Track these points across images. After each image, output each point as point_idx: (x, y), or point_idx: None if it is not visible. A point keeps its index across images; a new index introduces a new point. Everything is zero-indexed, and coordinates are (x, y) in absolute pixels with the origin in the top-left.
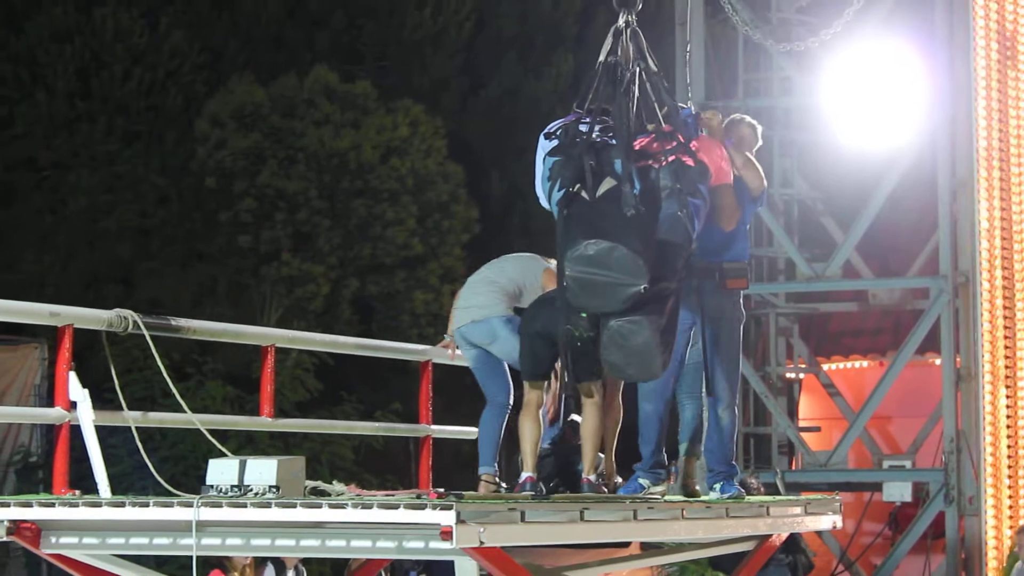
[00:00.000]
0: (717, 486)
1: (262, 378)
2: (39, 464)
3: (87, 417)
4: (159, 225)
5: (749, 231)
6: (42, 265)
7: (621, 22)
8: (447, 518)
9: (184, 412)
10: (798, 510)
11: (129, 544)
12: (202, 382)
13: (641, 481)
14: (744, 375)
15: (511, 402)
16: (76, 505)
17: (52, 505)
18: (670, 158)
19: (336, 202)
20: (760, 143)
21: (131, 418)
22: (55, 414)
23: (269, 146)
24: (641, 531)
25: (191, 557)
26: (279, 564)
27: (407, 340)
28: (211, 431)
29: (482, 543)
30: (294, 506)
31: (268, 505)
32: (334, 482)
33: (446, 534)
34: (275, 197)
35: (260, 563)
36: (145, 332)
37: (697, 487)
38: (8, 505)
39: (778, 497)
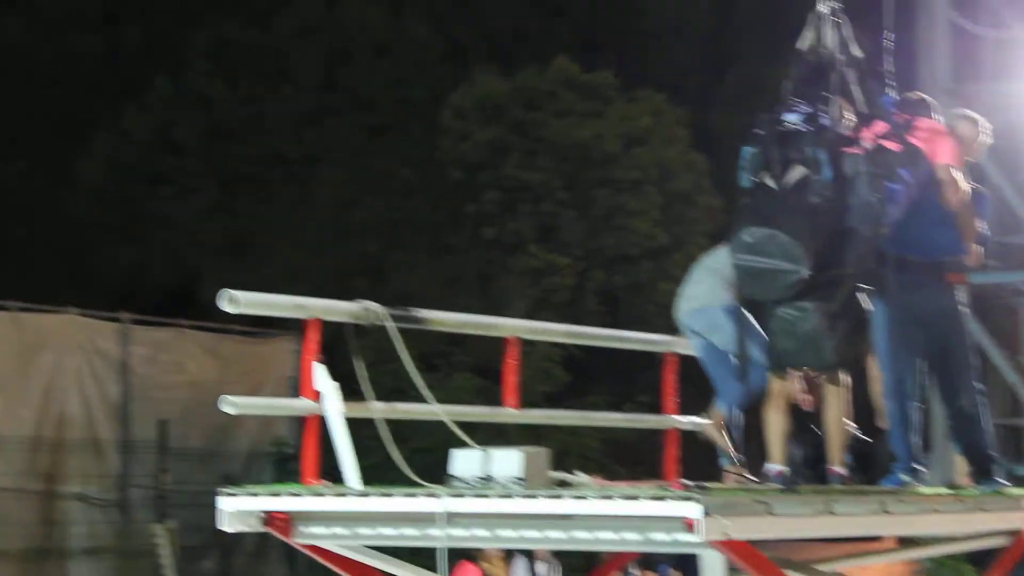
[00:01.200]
0: (978, 479)
1: (505, 369)
2: (295, 455)
3: (334, 408)
4: (406, 217)
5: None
6: (294, 258)
7: (823, 8)
8: (692, 510)
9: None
10: None
11: (378, 535)
12: (450, 374)
13: (901, 476)
14: (995, 365)
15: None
16: (322, 495)
17: (299, 495)
18: (869, 144)
19: (579, 192)
20: (982, 137)
21: (377, 410)
22: (303, 405)
23: (512, 138)
24: (891, 525)
25: (440, 548)
26: (530, 556)
27: (654, 331)
28: (459, 423)
29: (728, 536)
30: (537, 497)
31: (512, 496)
32: (578, 473)
33: (690, 526)
34: (519, 188)
35: (511, 555)
36: (391, 325)
37: (959, 481)
38: (257, 495)
39: None
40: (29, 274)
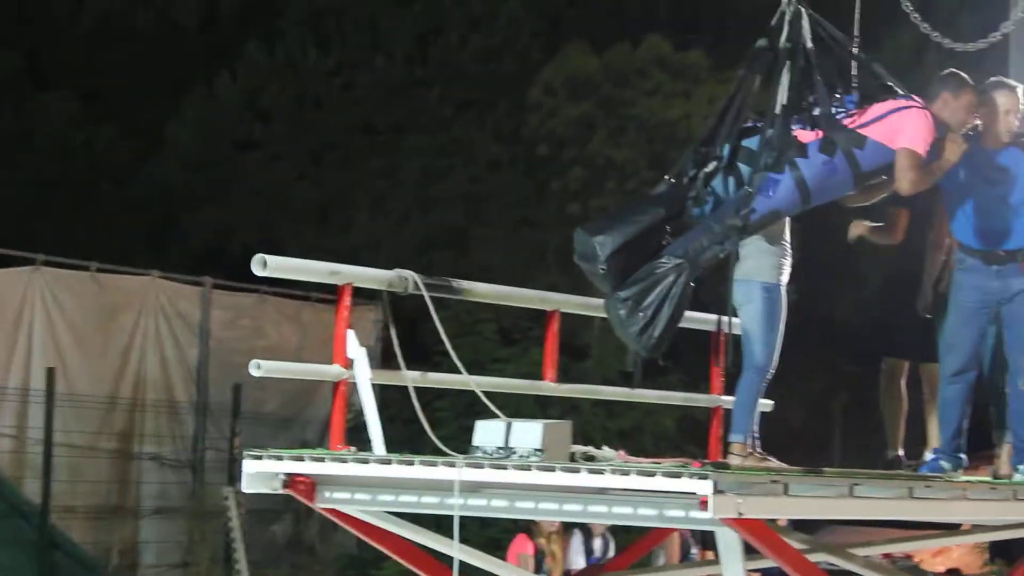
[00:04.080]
0: (1021, 467)
1: (546, 343)
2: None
3: (364, 375)
4: (491, 192)
5: None
6: (376, 228)
7: (784, 2)
8: (704, 487)
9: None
10: None
11: (398, 502)
12: (527, 348)
13: (943, 463)
14: None
15: (770, 364)
16: (345, 461)
17: (322, 460)
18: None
19: (664, 171)
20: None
21: (409, 378)
22: (333, 371)
23: (600, 114)
24: (917, 510)
25: (460, 517)
26: (586, 531)
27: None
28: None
29: (741, 514)
30: (553, 470)
31: (528, 468)
32: (604, 448)
33: (704, 504)
34: (605, 166)
35: (568, 530)
36: (425, 293)
37: (1004, 470)
38: (282, 459)
39: None
40: (116, 236)
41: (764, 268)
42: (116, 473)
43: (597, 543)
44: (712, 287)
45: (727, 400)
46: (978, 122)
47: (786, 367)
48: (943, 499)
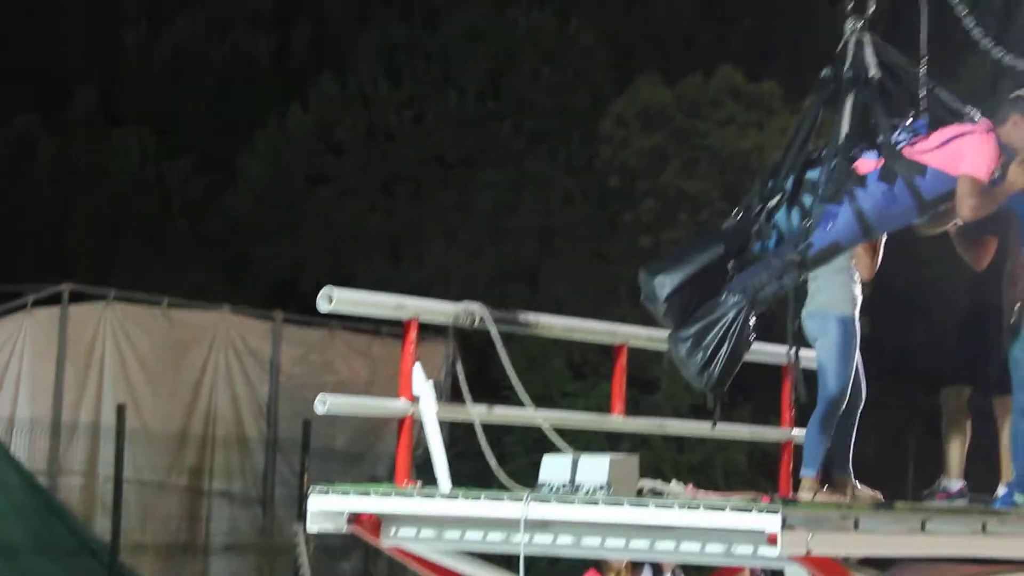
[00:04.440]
0: None
1: (614, 376)
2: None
3: (430, 410)
4: (563, 224)
5: None
6: (448, 261)
7: (847, 30)
8: (773, 523)
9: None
10: None
11: (464, 539)
12: (597, 383)
13: (1016, 497)
14: None
15: (844, 397)
16: (411, 496)
17: (388, 495)
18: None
19: (737, 203)
20: None
21: (475, 413)
22: (400, 406)
23: (673, 146)
24: (990, 546)
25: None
26: (656, 567)
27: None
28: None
29: (810, 551)
30: (621, 504)
31: (596, 503)
32: (673, 482)
33: (772, 539)
34: (677, 198)
35: (637, 565)
36: (492, 327)
37: None
38: (348, 494)
39: None
40: (189, 272)
41: (838, 300)
42: (186, 510)
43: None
44: (784, 320)
45: (797, 434)
46: None
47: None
48: (1017, 535)
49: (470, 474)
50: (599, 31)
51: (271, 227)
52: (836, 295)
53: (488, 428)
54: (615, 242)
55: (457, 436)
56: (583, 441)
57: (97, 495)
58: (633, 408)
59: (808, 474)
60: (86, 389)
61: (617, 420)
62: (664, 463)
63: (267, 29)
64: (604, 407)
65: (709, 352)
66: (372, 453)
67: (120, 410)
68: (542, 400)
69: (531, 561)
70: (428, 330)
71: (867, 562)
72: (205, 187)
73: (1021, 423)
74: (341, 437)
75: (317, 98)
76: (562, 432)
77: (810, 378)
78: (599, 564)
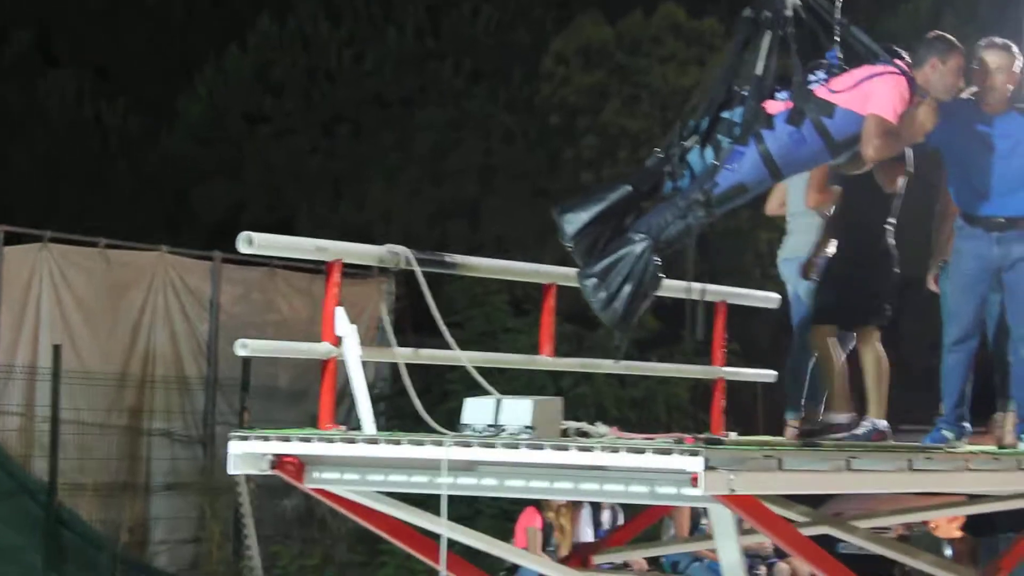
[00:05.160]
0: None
1: (543, 315)
2: (383, 396)
3: (353, 353)
4: (504, 163)
5: None
6: (389, 200)
7: None
8: (694, 464)
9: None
10: None
11: (388, 481)
12: (539, 318)
13: (944, 433)
14: None
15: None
16: (332, 441)
17: (309, 440)
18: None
19: None
20: (1019, 63)
21: (400, 355)
22: (322, 349)
23: (614, 83)
24: (917, 483)
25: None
26: (596, 504)
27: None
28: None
29: (733, 491)
30: (542, 448)
31: (516, 446)
32: (597, 424)
33: (695, 481)
34: (618, 135)
35: (577, 503)
36: (416, 268)
37: (1009, 440)
38: (268, 439)
39: None
40: (128, 213)
41: (810, 241)
42: (126, 450)
43: (606, 515)
44: (728, 256)
45: (728, 371)
46: (974, 87)
47: None
48: (944, 471)
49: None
50: None
51: (211, 167)
52: (805, 238)
53: (435, 366)
54: (556, 180)
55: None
56: (524, 379)
57: (35, 437)
58: (577, 344)
59: (794, 416)
60: (22, 331)
61: (545, 360)
62: (606, 398)
63: None
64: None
65: (613, 289)
66: (314, 391)
67: (56, 350)
68: (485, 336)
69: (473, 498)
70: (373, 268)
71: (795, 498)
72: (143, 128)
73: (948, 358)
74: (283, 376)
75: (256, 38)
76: (500, 371)
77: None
78: (539, 501)
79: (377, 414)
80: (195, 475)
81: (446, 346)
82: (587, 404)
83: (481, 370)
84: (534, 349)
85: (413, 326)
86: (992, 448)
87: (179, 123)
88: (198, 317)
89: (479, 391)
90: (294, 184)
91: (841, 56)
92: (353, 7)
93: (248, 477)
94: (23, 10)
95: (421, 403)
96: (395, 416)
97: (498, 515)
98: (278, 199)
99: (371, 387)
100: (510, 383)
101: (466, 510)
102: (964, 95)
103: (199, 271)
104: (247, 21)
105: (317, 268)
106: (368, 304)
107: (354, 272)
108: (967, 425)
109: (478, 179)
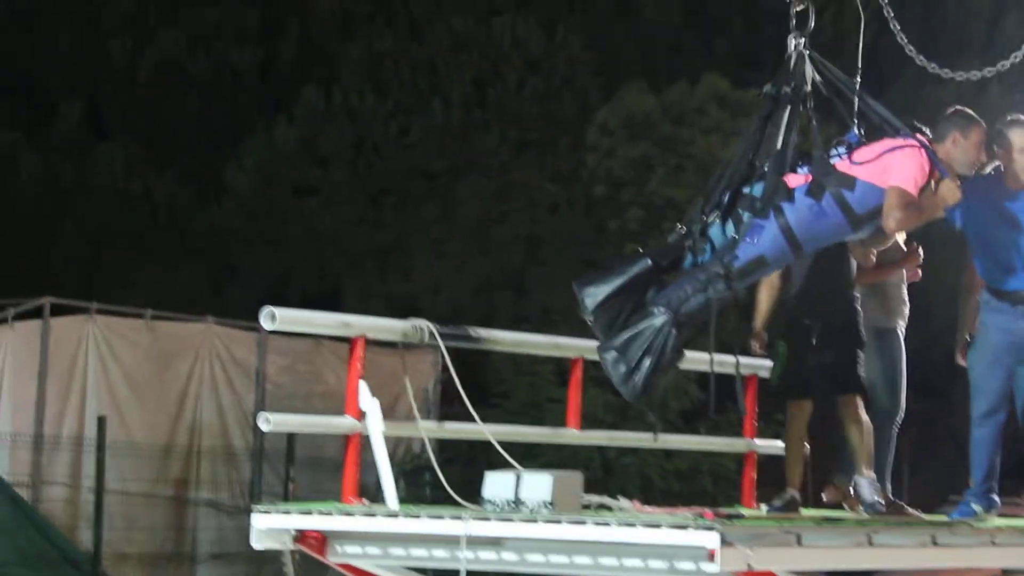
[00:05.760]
0: None
1: (569, 390)
2: (428, 467)
3: (376, 427)
4: (550, 233)
5: None
6: (435, 272)
7: (791, 47)
8: (711, 540)
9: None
10: None
11: (410, 556)
12: (585, 388)
13: (973, 506)
14: None
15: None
16: (352, 515)
17: (329, 514)
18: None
19: None
20: None
21: (424, 428)
22: (346, 424)
23: (658, 154)
24: (940, 558)
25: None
26: None
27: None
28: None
29: (750, 567)
30: (559, 522)
31: (535, 521)
32: (619, 498)
33: (712, 556)
34: (663, 206)
35: None
36: (440, 343)
37: None
38: (289, 513)
39: None
40: (176, 284)
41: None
42: (172, 520)
43: None
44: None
45: (760, 444)
46: (997, 162)
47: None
48: (969, 546)
49: (459, 481)
50: (585, 39)
51: (258, 238)
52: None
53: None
54: (602, 250)
55: (446, 445)
56: (570, 450)
57: (80, 507)
58: (621, 415)
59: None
60: (68, 402)
61: (572, 433)
62: (651, 469)
63: (253, 42)
64: (592, 414)
65: (634, 363)
66: (362, 462)
67: (101, 421)
68: (530, 407)
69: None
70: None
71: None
72: (191, 199)
73: (977, 432)
74: (330, 446)
75: (303, 110)
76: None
77: None
78: None
79: (423, 484)
80: (241, 545)
81: (493, 416)
82: (631, 475)
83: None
84: (583, 420)
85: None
86: (1021, 522)
87: (227, 194)
88: (244, 388)
89: (526, 463)
90: (340, 255)
91: (861, 133)
92: (400, 79)
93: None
94: (72, 83)
95: (468, 473)
96: (439, 487)
97: None
98: (325, 270)
99: (419, 456)
100: (556, 453)
101: None
102: (987, 170)
103: (246, 342)
104: (294, 93)
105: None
106: (414, 375)
107: (407, 343)
108: (996, 498)
109: (524, 250)
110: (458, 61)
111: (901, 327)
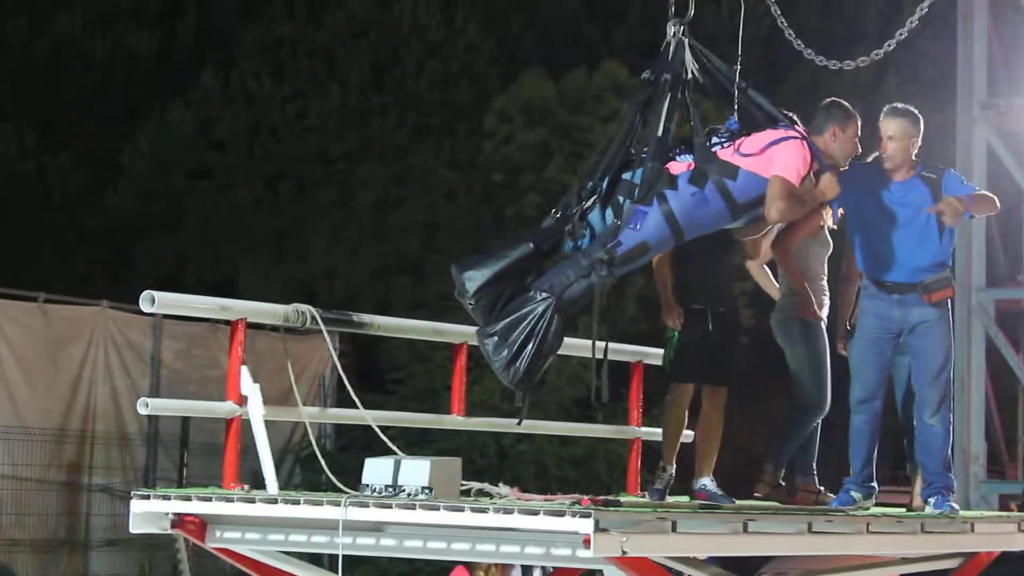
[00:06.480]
0: (931, 500)
1: (453, 376)
2: (324, 453)
3: (257, 412)
4: (447, 219)
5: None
6: (332, 257)
7: (670, 33)
8: (585, 526)
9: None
10: (1011, 527)
11: (288, 541)
12: (481, 375)
13: (853, 494)
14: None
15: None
16: (231, 500)
17: (209, 499)
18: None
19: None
20: (917, 133)
21: (306, 414)
22: (226, 408)
23: (556, 141)
24: (816, 545)
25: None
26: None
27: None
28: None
29: (625, 553)
30: (437, 509)
31: (413, 507)
32: (500, 485)
33: (587, 542)
34: (561, 192)
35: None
36: (323, 327)
37: (917, 503)
38: (169, 498)
39: (987, 513)
40: (70, 267)
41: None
42: (65, 506)
43: (537, 572)
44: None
45: (644, 432)
46: (876, 152)
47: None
48: (845, 533)
49: (355, 467)
50: (485, 25)
51: (153, 222)
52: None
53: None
54: (499, 236)
55: (343, 429)
56: (465, 436)
57: None
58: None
59: (768, 468)
60: None
61: (455, 419)
62: (547, 456)
63: (150, 25)
64: (489, 401)
65: (515, 348)
66: (253, 449)
67: None
68: (428, 394)
69: (356, 559)
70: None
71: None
72: (86, 182)
73: (855, 419)
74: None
75: (200, 94)
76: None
77: None
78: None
79: (318, 470)
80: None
81: (389, 403)
82: (527, 462)
83: (420, 432)
84: (477, 407)
85: (357, 383)
86: (896, 511)
87: (123, 178)
88: (139, 372)
89: (420, 448)
90: (236, 240)
91: (739, 121)
92: (296, 63)
93: None
94: None
95: (364, 459)
96: (337, 472)
97: (439, 572)
98: (221, 255)
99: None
100: (450, 440)
101: (407, 567)
102: (868, 159)
103: (140, 326)
104: (191, 77)
105: (261, 324)
106: (311, 361)
107: (305, 329)
108: (875, 485)
109: (421, 236)
110: (357, 46)
111: (824, 319)
